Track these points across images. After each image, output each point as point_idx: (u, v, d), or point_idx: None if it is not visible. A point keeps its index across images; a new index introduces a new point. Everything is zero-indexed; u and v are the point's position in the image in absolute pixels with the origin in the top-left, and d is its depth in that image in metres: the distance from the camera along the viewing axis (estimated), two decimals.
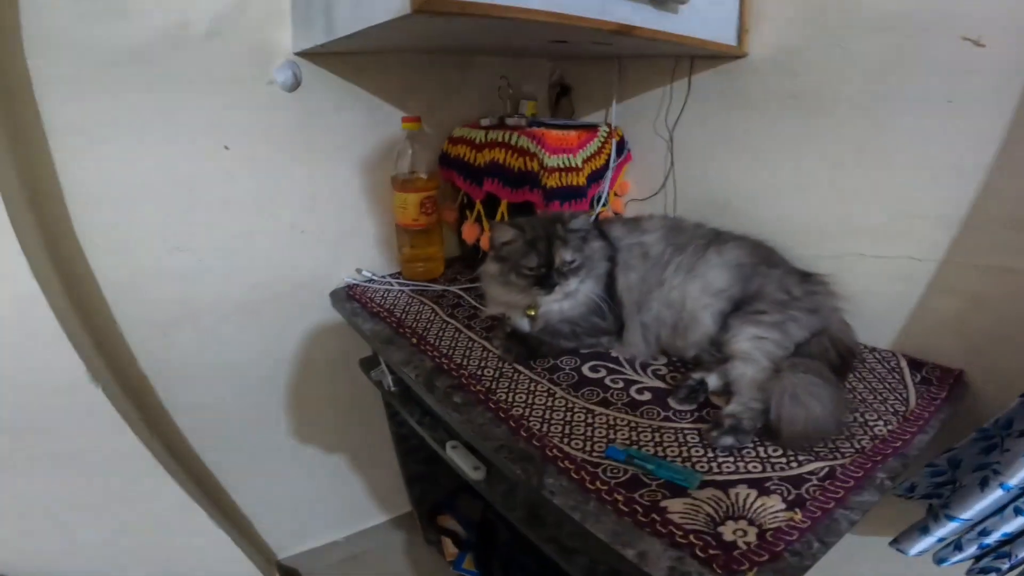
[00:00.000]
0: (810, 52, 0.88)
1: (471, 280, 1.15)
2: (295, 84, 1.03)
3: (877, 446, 0.66)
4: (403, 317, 1.02)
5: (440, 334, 0.95)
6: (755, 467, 0.63)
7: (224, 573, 1.16)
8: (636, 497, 0.59)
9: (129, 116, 0.91)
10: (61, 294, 0.88)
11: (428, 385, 0.82)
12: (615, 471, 0.63)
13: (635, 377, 0.82)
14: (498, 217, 1.09)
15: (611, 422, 0.71)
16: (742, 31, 0.94)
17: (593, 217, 1.04)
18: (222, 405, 1.19)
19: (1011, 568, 0.68)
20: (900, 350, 0.86)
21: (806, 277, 0.84)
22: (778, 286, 0.81)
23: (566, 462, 0.64)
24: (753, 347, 0.74)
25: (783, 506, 0.57)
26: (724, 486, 0.60)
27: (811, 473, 0.61)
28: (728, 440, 0.66)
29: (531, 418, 0.72)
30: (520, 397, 0.77)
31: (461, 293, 1.11)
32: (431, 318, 1.02)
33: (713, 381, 0.77)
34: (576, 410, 0.74)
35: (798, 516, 0.55)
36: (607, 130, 1.15)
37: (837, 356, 0.76)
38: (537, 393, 0.78)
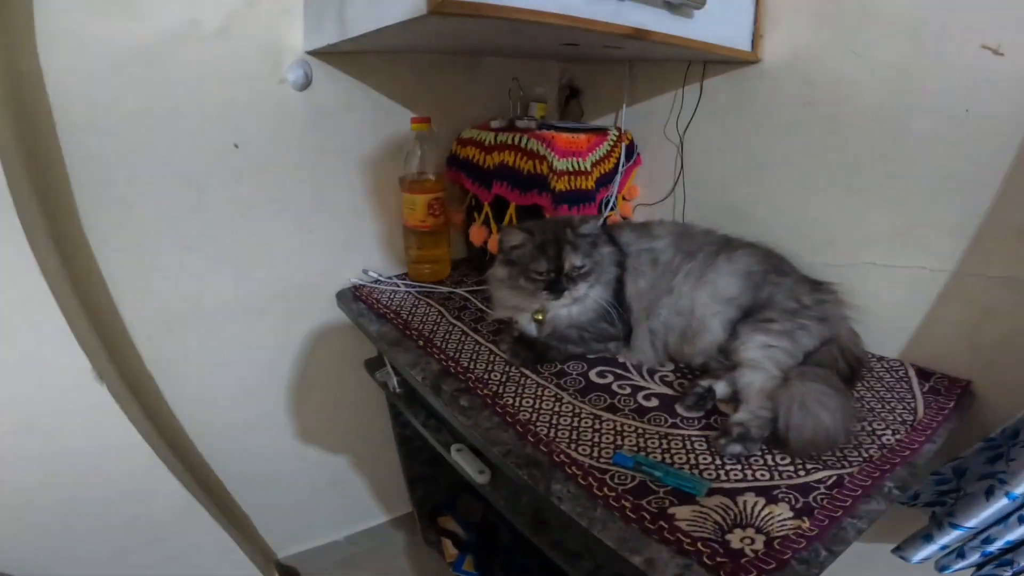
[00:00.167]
0: (825, 59, 0.87)
1: (478, 282, 1.15)
2: (306, 83, 1.03)
3: (885, 455, 0.66)
4: (410, 319, 1.02)
5: (447, 337, 0.95)
6: (763, 475, 0.63)
7: (224, 572, 1.16)
8: (644, 504, 0.58)
9: (139, 113, 0.91)
10: (69, 292, 0.88)
11: (435, 388, 0.82)
12: (622, 477, 0.62)
13: (642, 383, 0.82)
14: (506, 220, 1.09)
15: (618, 428, 0.71)
16: (756, 37, 0.94)
17: (601, 221, 1.03)
18: (225, 404, 1.19)
19: None
20: (909, 360, 0.86)
21: (816, 286, 0.84)
22: (788, 294, 0.81)
23: (573, 468, 0.64)
24: (762, 355, 0.74)
25: (791, 514, 0.57)
26: (732, 494, 0.60)
27: (819, 481, 0.61)
28: (736, 448, 0.65)
29: (538, 423, 0.72)
30: (527, 402, 0.77)
31: (468, 295, 1.11)
32: (438, 320, 1.01)
33: (721, 388, 0.77)
34: (583, 415, 0.74)
35: (806, 524, 0.55)
36: (617, 133, 1.15)
37: (846, 365, 0.76)
38: (544, 398, 0.78)
